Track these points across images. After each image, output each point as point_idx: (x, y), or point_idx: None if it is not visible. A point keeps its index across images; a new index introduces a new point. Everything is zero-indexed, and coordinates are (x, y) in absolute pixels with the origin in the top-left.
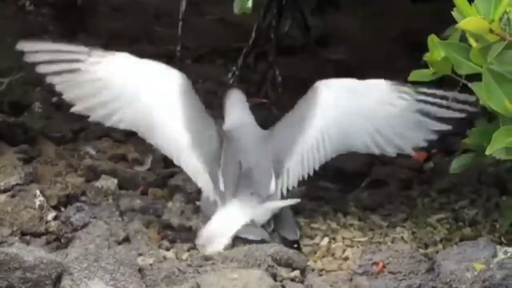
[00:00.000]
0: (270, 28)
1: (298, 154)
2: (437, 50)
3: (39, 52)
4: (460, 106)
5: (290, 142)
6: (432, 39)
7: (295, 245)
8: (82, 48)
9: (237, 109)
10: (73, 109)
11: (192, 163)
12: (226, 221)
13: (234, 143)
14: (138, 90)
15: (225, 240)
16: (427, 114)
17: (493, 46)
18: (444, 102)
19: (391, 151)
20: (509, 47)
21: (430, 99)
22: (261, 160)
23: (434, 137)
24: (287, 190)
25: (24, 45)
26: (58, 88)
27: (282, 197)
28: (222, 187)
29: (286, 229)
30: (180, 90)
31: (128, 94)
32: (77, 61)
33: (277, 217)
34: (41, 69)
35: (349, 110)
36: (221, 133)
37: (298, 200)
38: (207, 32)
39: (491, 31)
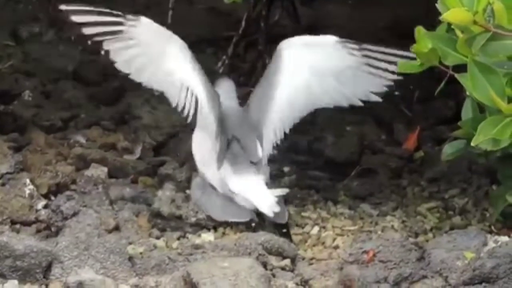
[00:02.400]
0: (260, 17)
1: (270, 120)
2: (424, 41)
3: (83, 13)
4: (397, 58)
5: (262, 109)
6: (419, 30)
7: (284, 230)
8: (118, 13)
9: (224, 94)
10: (117, 66)
11: (209, 119)
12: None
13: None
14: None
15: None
16: (375, 67)
17: (477, 38)
18: (387, 57)
19: (345, 104)
20: (494, 39)
21: (374, 54)
22: (246, 132)
23: (383, 89)
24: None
25: (67, 6)
26: (105, 46)
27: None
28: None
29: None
30: (191, 55)
31: (159, 55)
32: (119, 23)
33: None
34: (87, 30)
35: (309, 68)
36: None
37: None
38: (197, 21)
39: (475, 22)
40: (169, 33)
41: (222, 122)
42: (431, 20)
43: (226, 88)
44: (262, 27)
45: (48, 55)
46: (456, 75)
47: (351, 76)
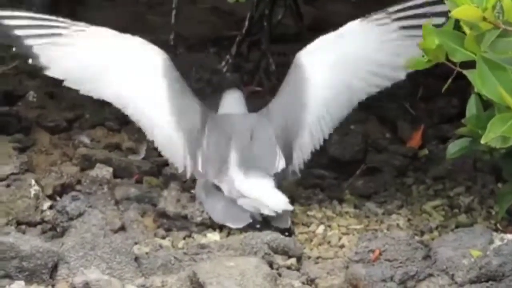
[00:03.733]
0: (263, 16)
1: (306, 129)
2: (431, 38)
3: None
4: (435, 8)
5: (294, 119)
6: (426, 26)
7: (286, 234)
8: (66, 20)
9: (232, 105)
10: (47, 72)
11: (167, 134)
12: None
13: (226, 127)
14: (116, 61)
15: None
16: (409, 27)
17: (486, 34)
18: (418, 10)
19: (389, 83)
20: (503, 35)
21: (403, 14)
22: (259, 140)
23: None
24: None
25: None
26: (35, 49)
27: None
28: (200, 166)
29: (277, 217)
30: (162, 64)
31: (106, 63)
32: (60, 27)
33: None
34: (19, 33)
35: (337, 65)
36: (206, 114)
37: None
38: (200, 20)
39: (484, 19)
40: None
41: (222, 129)
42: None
43: (234, 99)
44: (265, 27)
45: None
46: (465, 72)
47: (390, 47)
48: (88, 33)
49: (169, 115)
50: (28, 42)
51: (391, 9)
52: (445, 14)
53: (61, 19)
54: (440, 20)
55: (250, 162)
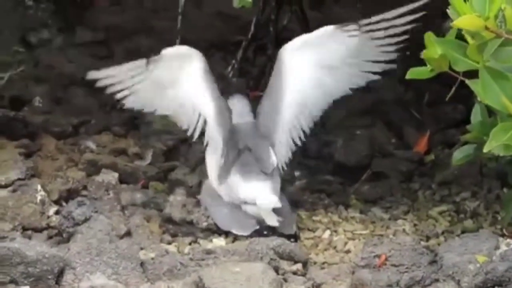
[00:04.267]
0: (269, 21)
1: (283, 125)
2: (434, 47)
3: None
4: (402, 20)
5: (273, 116)
6: (429, 36)
7: (292, 239)
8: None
9: (237, 111)
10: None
11: (215, 136)
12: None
13: (235, 132)
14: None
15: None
16: (379, 38)
17: (489, 43)
18: (386, 23)
19: (362, 83)
20: (505, 44)
21: (374, 26)
22: (258, 142)
23: (394, 56)
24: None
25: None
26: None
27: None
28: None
29: (282, 223)
30: (204, 70)
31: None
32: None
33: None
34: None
35: (315, 64)
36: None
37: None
38: (206, 25)
39: (486, 28)
40: (185, 53)
41: (233, 137)
42: (438, 24)
43: (240, 105)
44: (271, 31)
45: (58, 61)
46: (467, 81)
47: (361, 55)
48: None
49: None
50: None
51: (363, 21)
52: (414, 22)
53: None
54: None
55: (247, 166)
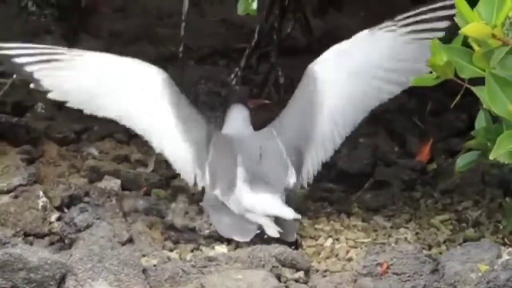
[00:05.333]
0: (273, 29)
1: (317, 140)
2: (439, 54)
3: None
4: (439, 13)
5: (305, 131)
6: (435, 43)
7: (293, 247)
8: (64, 47)
9: (236, 121)
10: (50, 95)
11: (176, 147)
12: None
13: (233, 145)
14: (118, 81)
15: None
16: (418, 32)
17: (496, 51)
18: (424, 16)
19: (400, 88)
20: None
21: (411, 20)
22: (267, 157)
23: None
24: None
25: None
26: (36, 75)
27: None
28: (207, 179)
29: (283, 231)
30: (162, 82)
31: (108, 84)
32: (58, 53)
33: (275, 219)
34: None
35: (350, 74)
36: (211, 130)
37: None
38: (210, 33)
39: (493, 36)
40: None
41: (229, 149)
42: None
43: (239, 115)
44: (274, 39)
45: None
46: (473, 89)
47: (400, 54)
48: (87, 57)
49: (176, 128)
50: (28, 68)
51: (397, 17)
52: (448, 17)
53: (58, 47)
54: (445, 24)
55: (258, 180)
